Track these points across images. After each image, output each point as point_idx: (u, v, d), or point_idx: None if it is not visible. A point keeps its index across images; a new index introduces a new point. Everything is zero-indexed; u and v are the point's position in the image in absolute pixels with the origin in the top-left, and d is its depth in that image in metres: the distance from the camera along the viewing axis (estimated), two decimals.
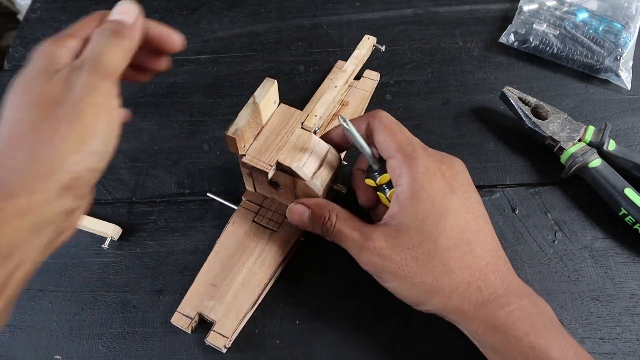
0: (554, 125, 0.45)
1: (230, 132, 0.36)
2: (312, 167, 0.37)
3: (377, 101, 0.51)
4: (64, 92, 0.28)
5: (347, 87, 0.46)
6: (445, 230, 0.32)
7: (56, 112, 0.27)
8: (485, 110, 0.50)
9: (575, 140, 0.44)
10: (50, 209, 0.27)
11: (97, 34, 0.30)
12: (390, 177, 0.35)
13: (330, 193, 0.41)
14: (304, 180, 0.37)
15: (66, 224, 0.29)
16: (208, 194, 0.45)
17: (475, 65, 0.53)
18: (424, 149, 0.35)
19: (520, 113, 0.46)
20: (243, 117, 0.36)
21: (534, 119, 0.45)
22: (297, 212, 0.37)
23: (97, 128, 0.28)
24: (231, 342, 0.37)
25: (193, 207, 0.45)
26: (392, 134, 0.35)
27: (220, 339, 0.37)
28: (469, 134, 0.48)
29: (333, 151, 0.39)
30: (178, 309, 0.38)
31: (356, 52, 0.46)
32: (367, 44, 0.47)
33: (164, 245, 0.43)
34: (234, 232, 0.41)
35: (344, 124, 0.35)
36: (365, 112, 0.49)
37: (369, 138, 0.36)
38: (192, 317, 0.38)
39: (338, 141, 0.39)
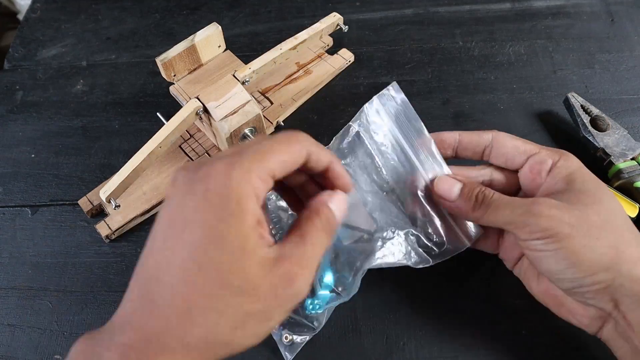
0: (610, 139, 0.44)
1: (159, 58, 0.41)
2: (225, 110, 0.40)
3: None
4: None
5: (296, 52, 0.47)
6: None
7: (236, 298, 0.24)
8: (486, 110, 0.50)
9: (627, 158, 0.43)
10: None
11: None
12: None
13: (244, 141, 0.43)
14: (215, 120, 0.40)
15: None
16: (157, 114, 0.46)
17: (475, 65, 0.53)
18: None
19: (579, 121, 0.45)
20: (176, 49, 0.41)
21: (590, 128, 0.44)
22: (446, 183, 0.35)
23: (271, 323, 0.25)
24: (114, 237, 0.43)
25: None
26: (520, 140, 0.35)
27: (106, 229, 0.42)
28: None
29: (254, 105, 0.41)
30: (87, 195, 0.44)
31: (316, 25, 0.48)
32: (329, 20, 0.49)
33: None
34: (159, 151, 0.41)
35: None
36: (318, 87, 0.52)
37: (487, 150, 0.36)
38: (95, 204, 0.43)
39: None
